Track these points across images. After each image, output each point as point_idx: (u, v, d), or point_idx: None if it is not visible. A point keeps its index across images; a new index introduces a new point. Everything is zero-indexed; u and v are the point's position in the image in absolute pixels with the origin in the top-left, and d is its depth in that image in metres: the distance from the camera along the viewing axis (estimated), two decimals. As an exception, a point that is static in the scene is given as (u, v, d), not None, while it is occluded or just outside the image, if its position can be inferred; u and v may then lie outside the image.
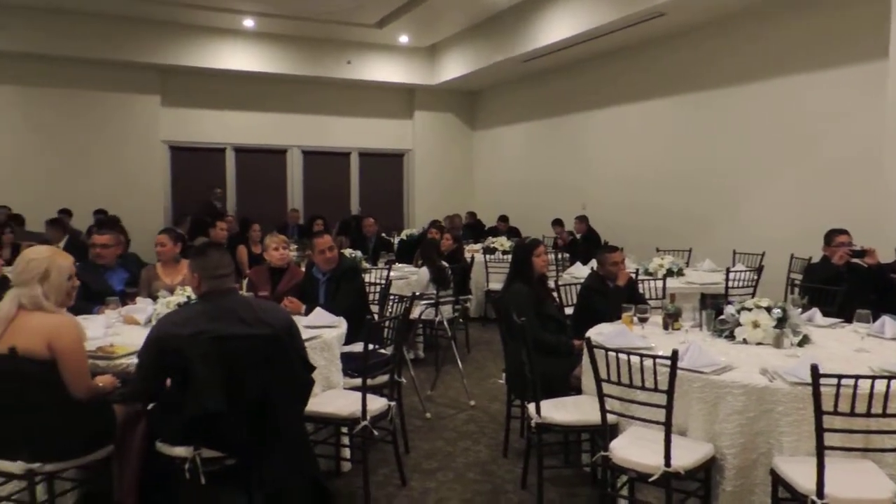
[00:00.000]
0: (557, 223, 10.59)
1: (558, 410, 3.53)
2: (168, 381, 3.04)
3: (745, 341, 3.68)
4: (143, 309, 4.29)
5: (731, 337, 3.75)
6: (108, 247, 5.05)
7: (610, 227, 9.83)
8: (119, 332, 3.96)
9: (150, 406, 3.14)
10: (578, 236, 9.88)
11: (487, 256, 8.35)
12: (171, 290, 4.42)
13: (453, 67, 12.52)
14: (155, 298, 4.40)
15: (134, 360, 3.22)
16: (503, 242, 8.81)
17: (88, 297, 4.56)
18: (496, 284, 8.06)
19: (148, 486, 3.28)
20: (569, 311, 5.09)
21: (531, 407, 3.58)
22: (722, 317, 3.88)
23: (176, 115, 12.10)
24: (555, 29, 9.69)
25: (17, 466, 2.88)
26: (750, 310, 3.76)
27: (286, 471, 3.04)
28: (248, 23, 11.27)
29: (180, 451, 3.01)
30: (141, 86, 11.71)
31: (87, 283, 4.65)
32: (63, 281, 3.08)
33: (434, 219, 10.59)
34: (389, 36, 12.06)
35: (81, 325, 3.15)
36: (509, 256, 8.20)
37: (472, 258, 7.74)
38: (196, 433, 2.96)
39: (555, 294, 5.06)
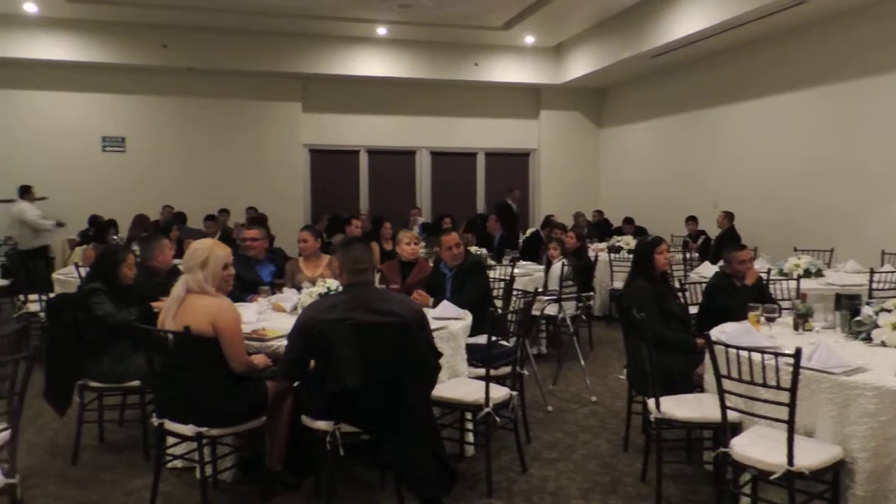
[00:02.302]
0: (692, 220, 10.31)
1: (679, 407, 3.56)
2: (312, 362, 3.39)
3: (883, 344, 3.53)
4: (289, 298, 4.73)
5: (868, 339, 3.61)
6: (256, 240, 5.59)
7: (745, 224, 9.43)
8: (269, 318, 4.40)
9: (296, 383, 3.50)
10: (719, 231, 9.53)
11: (612, 255, 8.32)
12: (313, 282, 4.82)
13: (580, 66, 12.47)
14: (299, 289, 4.83)
15: (283, 342, 3.59)
16: (629, 241, 8.73)
17: (243, 288, 5.07)
18: (621, 283, 7.97)
19: (294, 455, 3.67)
20: (694, 309, 5.04)
21: (651, 402, 3.63)
22: (858, 318, 3.73)
23: (315, 120, 12.89)
24: (686, 22, 9.44)
25: (188, 429, 3.32)
26: (890, 311, 3.61)
27: (414, 448, 3.29)
28: (382, 31, 11.82)
29: (322, 425, 3.35)
30: (285, 94, 12.59)
31: (241, 275, 5.19)
32: (218, 268, 3.51)
33: (548, 215, 10.66)
34: (515, 37, 12.21)
35: (237, 308, 3.58)
36: (634, 255, 8.18)
37: (597, 256, 7.74)
38: (336, 409, 3.28)
39: (680, 293, 5.02)
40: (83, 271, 6.30)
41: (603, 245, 9.21)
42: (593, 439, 4.61)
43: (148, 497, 3.56)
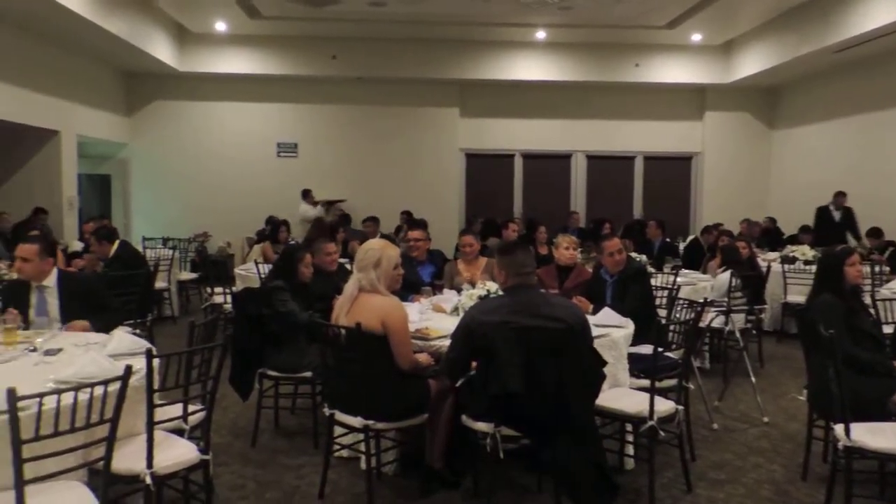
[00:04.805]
0: (873, 233, 9.33)
1: (874, 436, 3.22)
2: (474, 363, 3.43)
3: None
4: (449, 299, 4.83)
5: None
6: (420, 241, 5.81)
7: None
8: (430, 318, 4.51)
9: (458, 383, 3.56)
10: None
11: (786, 266, 7.72)
12: (472, 284, 4.89)
13: (750, 64, 11.69)
14: (458, 290, 4.92)
15: (446, 342, 3.67)
16: (805, 251, 8.07)
17: (404, 287, 5.25)
18: (795, 297, 7.43)
19: (453, 453, 3.73)
20: (888, 329, 4.54)
21: (838, 428, 3.31)
22: None
23: (472, 125, 13.12)
24: (879, 13, 8.55)
25: (357, 421, 3.48)
26: None
27: (575, 455, 3.22)
28: (540, 34, 11.79)
29: (482, 426, 3.37)
30: (443, 99, 12.93)
31: (403, 275, 5.38)
32: (390, 268, 3.66)
33: (711, 224, 10.05)
34: (680, 36, 11.69)
35: (406, 309, 3.70)
36: (812, 267, 7.53)
37: (769, 267, 7.20)
38: (497, 411, 3.29)
39: (871, 310, 4.55)
40: (262, 268, 6.82)
41: (774, 255, 8.57)
42: (766, 463, 4.29)
43: (317, 482, 3.78)
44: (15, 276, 4.89)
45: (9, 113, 8.82)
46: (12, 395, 2.26)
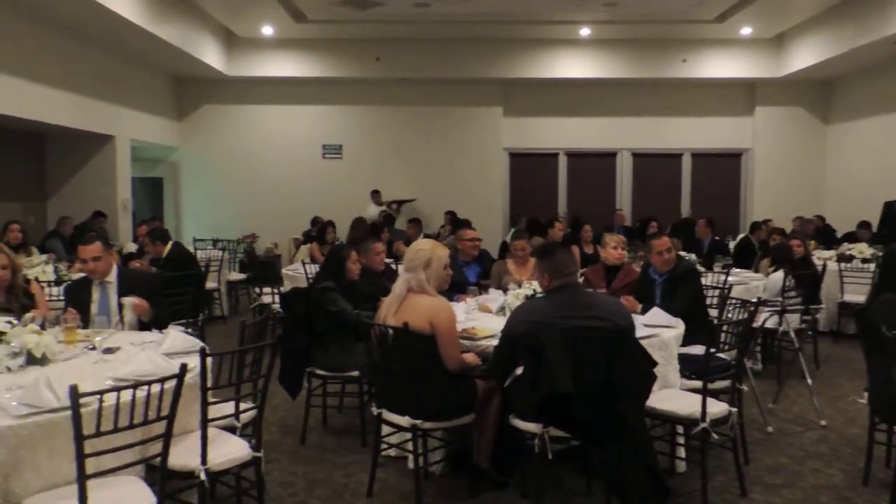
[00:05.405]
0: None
1: (939, 440, 3.09)
2: (521, 363, 3.40)
3: None
4: (495, 299, 4.81)
5: None
6: (479, 240, 5.88)
7: None
8: (476, 318, 4.50)
9: (507, 383, 3.54)
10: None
11: (843, 265, 7.48)
12: (519, 284, 4.86)
13: (803, 56, 11.34)
14: (505, 290, 4.90)
15: (493, 341, 3.66)
16: (862, 249, 7.81)
17: (450, 287, 5.25)
18: (853, 296, 7.20)
19: (501, 454, 3.72)
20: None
21: (902, 432, 3.19)
22: None
23: (516, 124, 13.03)
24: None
25: (405, 420, 3.50)
26: None
27: (625, 456, 3.17)
28: (585, 31, 11.66)
29: (530, 426, 3.35)
30: (487, 99, 12.88)
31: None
32: (440, 268, 3.67)
33: (760, 220, 9.79)
34: (729, 29, 11.43)
35: (454, 309, 3.70)
36: (870, 265, 7.28)
37: (825, 266, 6.99)
38: (545, 412, 3.26)
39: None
40: (309, 268, 6.91)
41: (828, 253, 8.31)
42: (824, 468, 4.16)
43: (366, 480, 3.81)
44: (75, 276, 5.05)
45: (67, 119, 9.14)
46: (75, 392, 2.33)
